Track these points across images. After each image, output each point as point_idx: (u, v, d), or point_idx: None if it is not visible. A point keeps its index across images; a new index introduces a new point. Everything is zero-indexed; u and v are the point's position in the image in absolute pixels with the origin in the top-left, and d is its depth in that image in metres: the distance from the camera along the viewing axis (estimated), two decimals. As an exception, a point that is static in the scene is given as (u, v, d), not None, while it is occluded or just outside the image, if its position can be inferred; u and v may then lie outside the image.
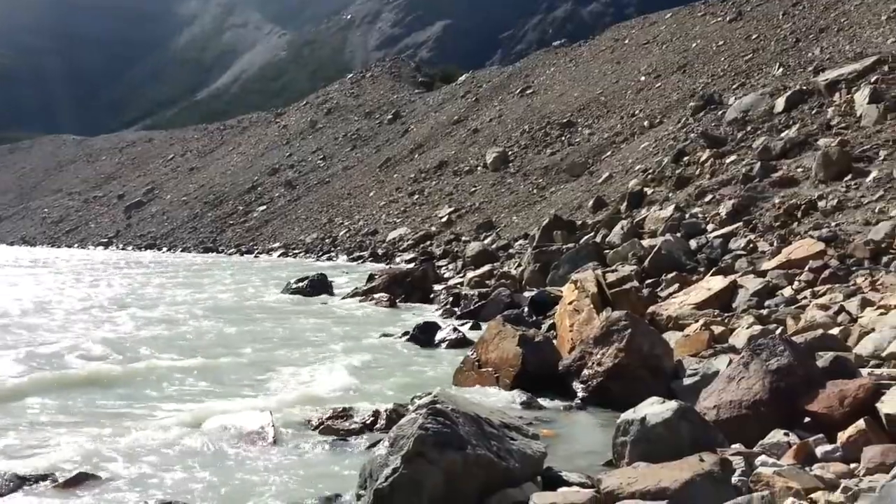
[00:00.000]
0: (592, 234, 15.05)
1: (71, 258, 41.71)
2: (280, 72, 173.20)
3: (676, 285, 9.04)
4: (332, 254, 37.68)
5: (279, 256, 41.75)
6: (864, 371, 4.79)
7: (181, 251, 54.39)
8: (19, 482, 4.13)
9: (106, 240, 69.25)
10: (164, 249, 57.13)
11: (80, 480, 4.22)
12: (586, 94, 40.38)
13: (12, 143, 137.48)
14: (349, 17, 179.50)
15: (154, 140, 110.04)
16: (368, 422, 5.42)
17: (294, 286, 17.01)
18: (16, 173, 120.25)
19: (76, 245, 70.54)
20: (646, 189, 16.91)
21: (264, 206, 58.54)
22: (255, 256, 44.24)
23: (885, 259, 7.60)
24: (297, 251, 42.29)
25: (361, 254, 33.89)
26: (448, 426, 3.60)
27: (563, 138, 35.90)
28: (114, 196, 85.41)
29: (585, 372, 6.27)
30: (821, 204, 10.14)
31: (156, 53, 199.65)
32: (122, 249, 61.15)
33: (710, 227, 11.66)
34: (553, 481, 3.87)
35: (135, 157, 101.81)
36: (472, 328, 10.25)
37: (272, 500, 3.92)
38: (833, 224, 9.32)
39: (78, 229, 79.45)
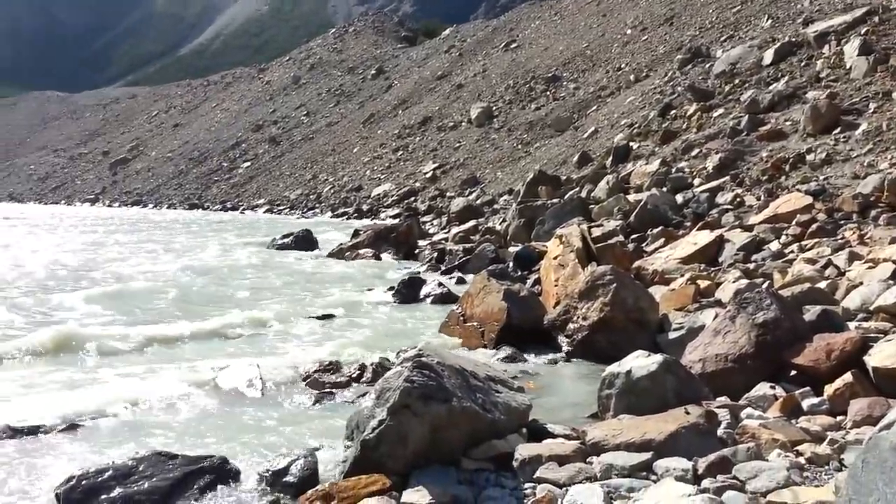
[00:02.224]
0: (577, 189, 14.97)
1: (73, 216, 41.27)
2: (262, 27, 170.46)
3: (662, 240, 9.00)
4: (317, 210, 37.51)
5: (264, 212, 41.55)
6: (852, 325, 4.78)
7: (167, 208, 54.02)
8: (12, 433, 4.15)
9: (92, 196, 68.66)
10: (150, 206, 56.71)
11: (71, 430, 4.27)
12: (572, 48, 39.95)
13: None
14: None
15: (138, 96, 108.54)
16: (354, 375, 5.41)
17: (279, 242, 16.93)
18: (1, 130, 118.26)
19: (63, 202, 69.95)
20: (631, 144, 16.79)
21: (249, 163, 58.07)
22: (241, 213, 43.98)
23: (873, 213, 7.57)
24: (281, 207, 42.06)
25: (346, 210, 33.75)
26: (433, 379, 3.57)
27: (548, 93, 35.58)
28: (99, 153, 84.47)
29: (570, 326, 6.25)
30: (809, 157, 10.08)
31: (138, 8, 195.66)
32: (109, 206, 60.62)
33: (696, 181, 11.60)
34: (538, 433, 3.86)
35: (119, 114, 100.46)
36: (457, 283, 10.23)
37: (261, 451, 3.90)
38: (821, 178, 9.27)
39: (64, 186, 78.69)
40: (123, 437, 4.17)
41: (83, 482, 3.24)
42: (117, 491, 3.22)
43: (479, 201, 21.41)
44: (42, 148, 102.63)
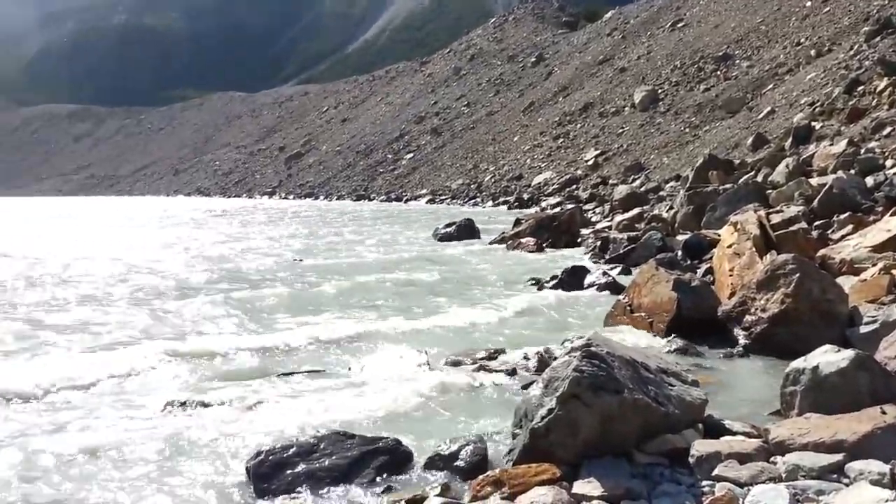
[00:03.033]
0: (752, 173, 14.16)
1: (270, 207, 44.26)
2: (424, 21, 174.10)
3: (850, 226, 8.32)
4: (478, 199, 37.88)
5: (427, 202, 42.47)
6: None
7: (336, 199, 56.57)
8: (206, 406, 4.53)
9: (270, 189, 73.18)
10: (322, 197, 59.63)
11: (257, 407, 4.56)
12: (745, 24, 37.77)
13: (185, 101, 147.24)
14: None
15: (309, 94, 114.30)
16: (520, 363, 5.42)
17: (442, 231, 17.25)
18: (190, 129, 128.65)
19: (244, 195, 75.04)
20: (813, 123, 15.67)
21: (411, 154, 59.59)
22: (404, 203, 45.24)
23: None
24: (443, 197, 42.84)
25: (507, 199, 33.85)
26: (603, 369, 3.50)
27: (718, 73, 33.92)
28: (275, 148, 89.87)
29: (748, 318, 5.92)
30: None
31: (310, 10, 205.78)
32: (284, 198, 64.34)
33: (888, 162, 10.64)
34: (715, 429, 3.69)
35: (293, 111, 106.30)
36: (621, 272, 9.98)
37: (430, 435, 3.99)
38: None
39: (245, 180, 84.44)
40: (302, 416, 4.39)
41: (270, 457, 3.45)
42: (301, 467, 3.41)
43: (643, 188, 20.81)
44: (226, 145, 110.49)
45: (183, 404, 4.53)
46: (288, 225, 26.14)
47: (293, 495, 3.27)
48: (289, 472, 3.39)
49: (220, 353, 6.09)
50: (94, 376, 5.28)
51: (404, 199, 47.59)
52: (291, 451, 3.49)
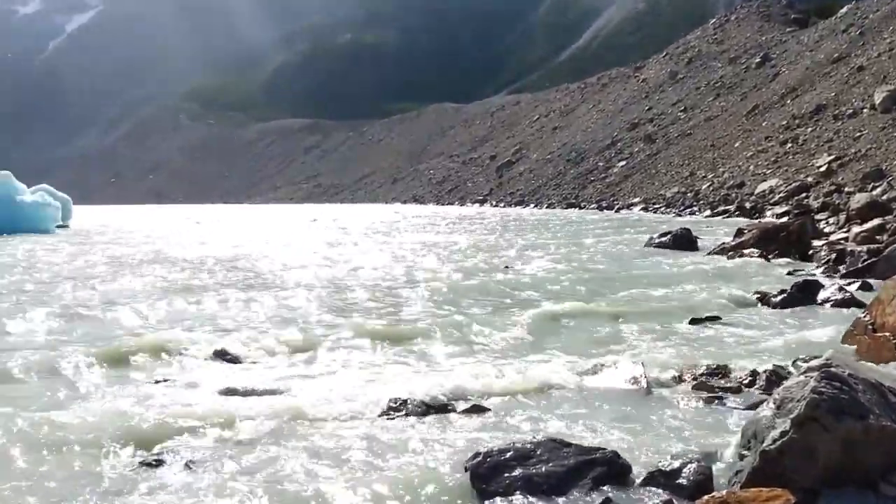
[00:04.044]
0: None
1: (490, 216, 45.73)
2: (638, 25, 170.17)
3: None
4: (695, 208, 36.38)
5: (639, 211, 41.45)
6: None
7: (546, 207, 56.73)
8: (426, 409, 4.66)
9: (481, 197, 75.06)
10: (531, 206, 60.14)
11: (474, 411, 4.63)
12: None
13: (403, 114, 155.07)
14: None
15: (521, 103, 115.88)
16: (745, 381, 5.12)
17: (657, 241, 16.74)
18: (407, 140, 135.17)
19: (456, 202, 77.53)
20: None
21: (624, 162, 58.44)
22: (615, 211, 44.43)
23: None
24: (657, 206, 41.59)
25: (726, 207, 32.21)
26: (845, 392, 3.22)
27: (980, 67, 30.06)
28: (487, 157, 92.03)
29: None
30: None
31: (522, 21, 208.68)
32: (495, 206, 65.65)
33: None
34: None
35: (504, 121, 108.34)
36: (860, 288, 9.13)
37: (649, 449, 3.88)
38: None
39: (458, 188, 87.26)
40: (516, 421, 4.43)
41: (488, 459, 3.52)
42: (518, 471, 3.45)
43: (885, 196, 18.93)
44: (440, 154, 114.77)
45: (405, 402, 4.74)
46: (511, 230, 26.63)
47: (511, 498, 3.31)
48: (506, 475, 3.44)
49: (438, 353, 6.32)
50: (318, 372, 5.68)
51: (616, 207, 46.74)
52: (509, 454, 3.53)
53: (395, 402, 4.74)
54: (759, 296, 9.09)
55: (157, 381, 5.43)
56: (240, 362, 6.11)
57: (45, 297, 9.79)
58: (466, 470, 3.54)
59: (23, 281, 11.90)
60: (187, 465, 3.77)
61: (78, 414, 4.47)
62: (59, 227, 32.33)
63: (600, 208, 48.39)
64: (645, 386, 5.09)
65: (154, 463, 3.80)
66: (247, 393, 5.06)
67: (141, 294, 10.09)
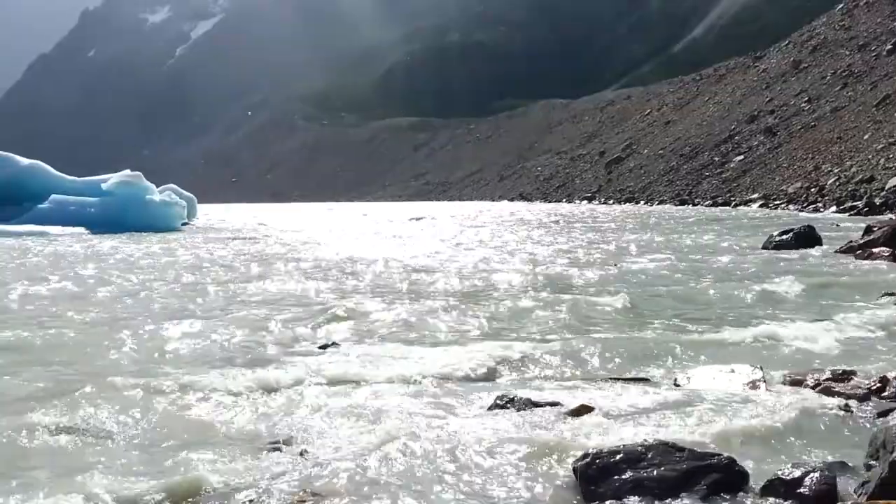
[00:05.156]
0: None
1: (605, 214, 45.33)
2: (757, 14, 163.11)
3: None
4: (819, 204, 34.61)
5: (758, 207, 39.83)
6: None
7: (657, 204, 55.34)
8: (532, 406, 4.63)
9: (589, 194, 74.07)
10: (641, 202, 58.81)
11: (581, 411, 4.55)
12: None
13: (510, 111, 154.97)
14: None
15: (631, 97, 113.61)
16: (874, 388, 4.81)
17: (777, 239, 16.01)
18: (514, 137, 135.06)
19: (563, 199, 76.82)
20: None
21: (741, 156, 56.25)
22: (732, 208, 42.84)
23: None
24: (777, 202, 39.81)
25: (854, 204, 30.44)
26: None
27: None
28: (595, 153, 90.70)
29: None
30: None
31: (633, 13, 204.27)
32: (604, 203, 64.61)
33: None
34: None
35: (613, 116, 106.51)
36: None
37: (766, 456, 3.72)
38: None
39: (565, 185, 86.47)
40: (624, 422, 4.34)
41: (597, 461, 3.45)
42: (628, 474, 3.36)
43: None
44: (547, 151, 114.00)
45: (511, 400, 4.73)
46: (626, 229, 26.20)
47: (621, 502, 3.24)
48: (616, 477, 3.36)
49: (545, 352, 6.27)
50: (427, 370, 5.74)
51: (732, 203, 45.04)
52: (619, 457, 3.46)
53: (502, 400, 4.73)
54: (889, 295, 8.54)
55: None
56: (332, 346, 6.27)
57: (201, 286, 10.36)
58: (574, 471, 3.49)
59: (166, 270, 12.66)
60: (301, 454, 3.89)
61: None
62: (183, 224, 34.12)
63: (715, 204, 46.77)
64: (763, 390, 4.88)
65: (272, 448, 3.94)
66: (360, 383, 5.20)
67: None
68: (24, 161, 30.94)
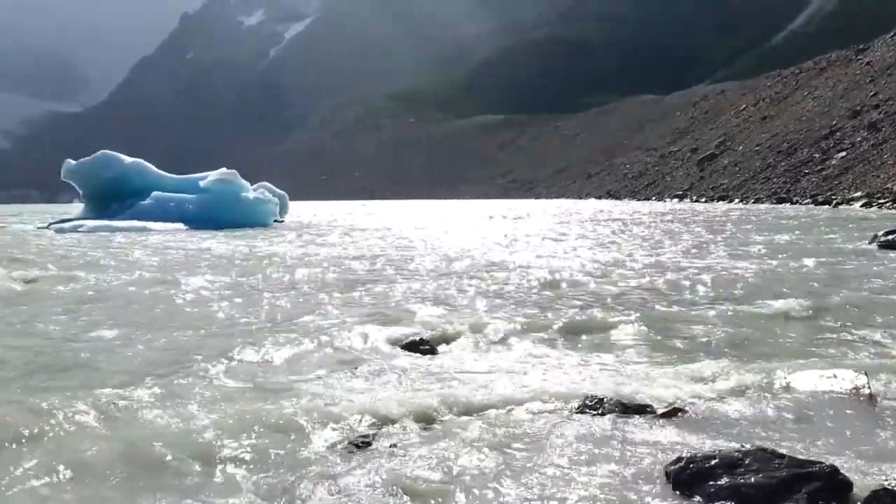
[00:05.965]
0: None
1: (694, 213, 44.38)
2: (860, 4, 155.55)
3: None
4: (929, 203, 32.72)
5: (861, 206, 38.00)
6: None
7: (753, 202, 53.57)
8: (623, 408, 4.56)
9: (680, 192, 72.27)
10: (736, 201, 57.03)
11: (674, 413, 4.47)
12: None
13: (599, 107, 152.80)
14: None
15: (726, 92, 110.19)
16: None
17: (882, 238, 15.25)
18: (602, 134, 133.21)
19: (653, 198, 75.21)
20: None
21: (843, 153, 53.81)
22: (833, 207, 41.06)
23: None
24: (882, 201, 37.93)
25: (968, 203, 28.63)
26: None
27: None
28: (687, 150, 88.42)
29: None
30: None
31: (727, 4, 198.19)
32: (696, 201, 62.95)
33: None
34: None
35: (707, 111, 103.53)
36: None
37: (869, 465, 3.56)
38: None
39: (655, 183, 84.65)
40: (719, 426, 4.23)
41: (691, 465, 3.38)
42: (724, 480, 3.28)
43: None
44: (636, 148, 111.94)
45: (601, 401, 4.67)
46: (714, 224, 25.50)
47: (717, 508, 3.17)
48: (711, 483, 3.28)
49: (629, 350, 6.16)
50: (508, 364, 5.72)
51: (833, 202, 43.15)
52: (714, 461, 3.37)
53: (591, 401, 4.67)
54: None
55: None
56: (435, 353, 6.29)
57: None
58: (667, 475, 3.42)
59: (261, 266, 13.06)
60: (391, 448, 3.95)
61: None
62: (276, 221, 35.09)
63: (815, 203, 44.91)
64: (868, 397, 4.66)
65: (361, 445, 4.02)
66: (441, 381, 5.22)
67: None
68: (128, 159, 32.45)
